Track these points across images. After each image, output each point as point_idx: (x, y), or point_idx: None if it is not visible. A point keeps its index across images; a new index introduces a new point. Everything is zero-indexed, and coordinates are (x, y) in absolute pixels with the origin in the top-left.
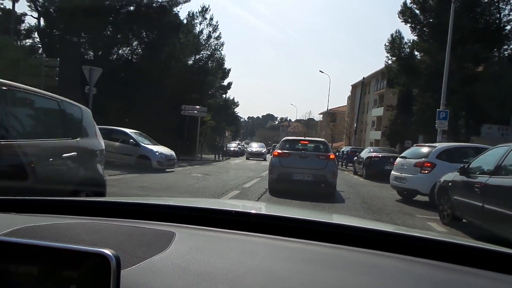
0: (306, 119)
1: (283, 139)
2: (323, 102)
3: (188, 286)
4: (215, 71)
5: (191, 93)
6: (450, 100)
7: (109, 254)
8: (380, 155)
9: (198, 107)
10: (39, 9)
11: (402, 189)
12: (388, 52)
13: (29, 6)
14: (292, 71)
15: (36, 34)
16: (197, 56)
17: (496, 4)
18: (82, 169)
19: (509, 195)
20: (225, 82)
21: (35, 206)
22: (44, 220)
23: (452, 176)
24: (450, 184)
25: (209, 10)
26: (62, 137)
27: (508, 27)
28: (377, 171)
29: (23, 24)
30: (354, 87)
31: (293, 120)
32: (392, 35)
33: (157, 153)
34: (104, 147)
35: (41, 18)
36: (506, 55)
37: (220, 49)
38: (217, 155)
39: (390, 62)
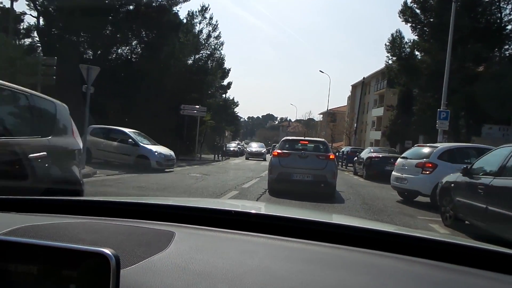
0: (306, 119)
1: (282, 139)
2: (323, 102)
3: (187, 286)
4: (214, 71)
5: (191, 93)
6: (451, 100)
7: (108, 253)
8: (380, 156)
9: (198, 106)
10: (38, 8)
11: (403, 190)
12: (388, 52)
13: (28, 5)
14: (292, 71)
15: (35, 33)
16: (197, 56)
17: (497, 3)
18: (54, 170)
19: None
20: (225, 82)
21: (35, 205)
22: (43, 220)
23: (455, 177)
24: (452, 185)
25: (209, 9)
26: (30, 135)
27: (509, 27)
28: (377, 171)
29: (22, 23)
30: (354, 87)
31: (293, 120)
32: (392, 34)
33: (156, 153)
34: (81, 147)
35: (40, 17)
36: (507, 55)
37: (219, 49)
38: (216, 155)
39: (390, 62)
